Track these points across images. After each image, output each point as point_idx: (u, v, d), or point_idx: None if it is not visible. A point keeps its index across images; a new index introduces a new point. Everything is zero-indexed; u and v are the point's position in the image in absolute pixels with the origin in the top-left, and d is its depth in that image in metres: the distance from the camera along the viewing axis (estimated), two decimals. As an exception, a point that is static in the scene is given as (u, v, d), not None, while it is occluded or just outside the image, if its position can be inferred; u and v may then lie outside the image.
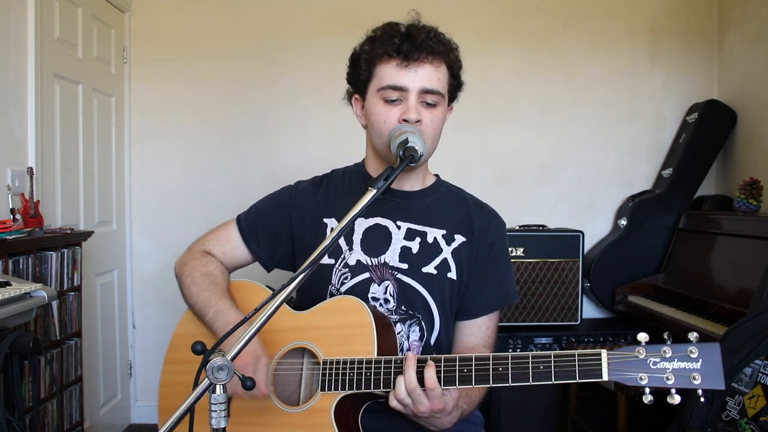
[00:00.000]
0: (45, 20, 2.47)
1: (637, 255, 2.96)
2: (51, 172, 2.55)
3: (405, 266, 1.33)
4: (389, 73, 1.24)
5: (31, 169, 2.35)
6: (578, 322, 2.84)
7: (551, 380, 1.04)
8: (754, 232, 2.37)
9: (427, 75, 1.23)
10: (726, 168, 3.11)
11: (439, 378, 1.10)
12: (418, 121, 1.23)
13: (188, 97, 3.20)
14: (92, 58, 2.87)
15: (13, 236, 2.03)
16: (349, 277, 1.33)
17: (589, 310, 3.13)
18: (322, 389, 1.19)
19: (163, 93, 3.20)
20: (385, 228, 1.36)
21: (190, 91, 3.20)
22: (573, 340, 2.78)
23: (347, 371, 1.17)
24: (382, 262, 1.33)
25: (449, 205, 1.40)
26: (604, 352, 1.02)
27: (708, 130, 3.00)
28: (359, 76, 1.30)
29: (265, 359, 1.22)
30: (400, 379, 1.11)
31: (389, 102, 1.25)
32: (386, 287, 1.32)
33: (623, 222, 3.01)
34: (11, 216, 2.22)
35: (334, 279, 1.34)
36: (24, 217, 2.24)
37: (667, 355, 0.98)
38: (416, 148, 1.13)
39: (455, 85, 1.33)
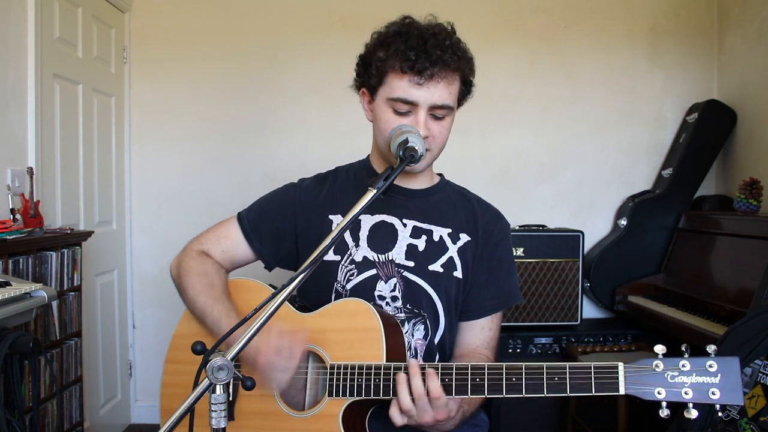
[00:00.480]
0: (45, 20, 2.47)
1: (637, 255, 2.95)
2: (51, 172, 2.54)
3: (411, 264, 1.32)
4: (401, 87, 1.21)
5: (31, 169, 2.35)
6: (578, 322, 2.84)
7: (566, 393, 1.02)
8: (754, 232, 2.37)
9: (439, 92, 1.22)
10: (726, 168, 3.11)
11: (450, 387, 1.09)
12: (427, 136, 1.23)
13: (188, 97, 3.20)
14: (92, 58, 2.86)
15: (13, 236, 2.03)
16: (355, 274, 1.32)
17: (589, 310, 3.13)
18: (330, 395, 1.17)
19: (163, 93, 3.20)
20: (391, 225, 1.35)
21: (190, 91, 3.19)
22: (573, 340, 2.78)
23: (355, 377, 1.16)
24: (389, 259, 1.32)
25: (454, 203, 1.39)
26: (620, 366, 1.00)
27: (708, 130, 3.00)
28: (369, 79, 1.28)
29: (302, 334, 1.18)
30: (404, 391, 1.09)
31: (399, 113, 1.23)
32: (394, 284, 1.31)
33: (623, 222, 3.01)
34: (11, 216, 2.22)
35: (340, 276, 1.33)
36: (24, 217, 2.24)
37: (686, 369, 0.96)
38: (416, 148, 1.12)
39: (464, 92, 1.32)
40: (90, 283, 2.77)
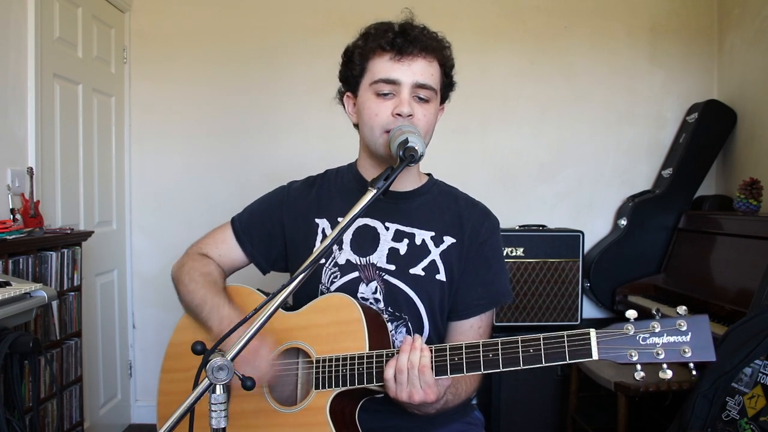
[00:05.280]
0: (45, 20, 2.47)
1: (637, 255, 2.96)
2: (51, 172, 2.54)
3: (392, 267, 1.32)
4: (382, 66, 1.24)
5: (31, 169, 2.35)
6: (578, 322, 2.84)
7: (542, 363, 1.04)
8: (754, 232, 2.37)
9: (420, 69, 1.23)
10: (726, 168, 3.11)
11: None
12: (410, 115, 1.22)
13: (188, 97, 3.20)
14: (92, 58, 2.87)
15: (13, 236, 2.03)
16: (338, 276, 1.33)
17: (589, 310, 3.13)
18: (317, 387, 1.20)
19: (163, 93, 3.20)
20: (374, 229, 1.35)
21: (190, 90, 3.19)
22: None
23: (340, 368, 1.18)
24: (371, 262, 1.33)
25: (440, 205, 1.38)
26: (592, 332, 1.02)
27: (708, 130, 3.00)
28: (352, 72, 1.29)
29: (266, 350, 1.21)
30: (405, 351, 1.11)
31: (381, 96, 1.24)
32: (375, 287, 1.32)
33: (623, 222, 3.01)
34: (11, 216, 2.22)
35: (324, 278, 1.34)
36: (24, 217, 2.24)
37: (656, 330, 0.98)
38: (416, 148, 1.12)
39: (447, 84, 1.32)
40: (90, 283, 2.77)
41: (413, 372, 1.10)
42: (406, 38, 1.22)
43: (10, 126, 2.31)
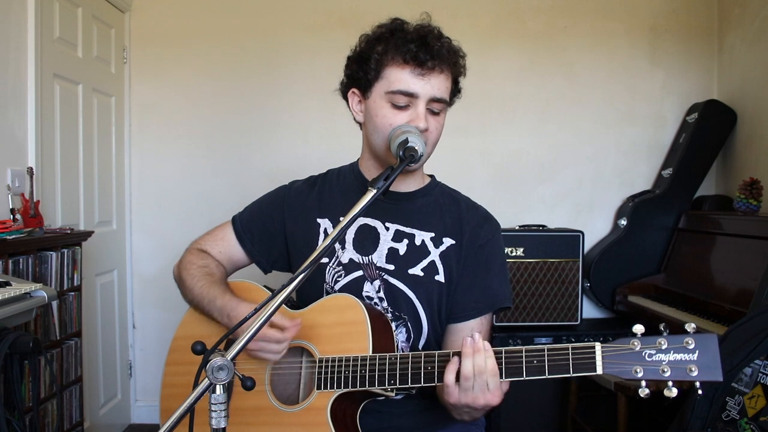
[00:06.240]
0: (45, 20, 2.47)
1: (637, 255, 2.95)
2: (51, 172, 2.54)
3: (392, 267, 1.32)
4: (402, 78, 1.22)
5: (31, 169, 2.35)
6: (578, 322, 2.84)
7: (545, 375, 1.03)
8: (754, 232, 2.37)
9: (438, 84, 1.23)
10: (726, 168, 3.11)
11: (432, 374, 1.11)
12: (426, 129, 1.22)
13: (188, 97, 3.20)
14: (92, 58, 2.86)
15: (13, 236, 2.03)
16: (342, 275, 1.34)
17: (589, 310, 3.13)
18: (318, 388, 1.20)
19: (163, 93, 3.20)
20: (374, 229, 1.35)
21: (190, 91, 3.20)
22: (573, 340, 2.78)
23: (342, 369, 1.18)
24: (372, 261, 1.34)
25: (440, 207, 1.38)
26: (598, 345, 1.01)
27: (708, 130, 3.00)
28: (365, 74, 1.27)
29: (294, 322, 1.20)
30: (468, 357, 1.07)
31: (397, 107, 1.23)
32: (378, 286, 1.32)
33: (623, 222, 3.01)
34: (11, 216, 2.22)
35: (328, 277, 1.35)
36: (24, 217, 2.24)
37: (663, 347, 0.96)
38: (416, 148, 1.13)
39: (454, 91, 1.32)
40: (90, 283, 2.77)
41: (482, 378, 1.06)
42: (428, 52, 1.20)
43: (10, 126, 2.31)
